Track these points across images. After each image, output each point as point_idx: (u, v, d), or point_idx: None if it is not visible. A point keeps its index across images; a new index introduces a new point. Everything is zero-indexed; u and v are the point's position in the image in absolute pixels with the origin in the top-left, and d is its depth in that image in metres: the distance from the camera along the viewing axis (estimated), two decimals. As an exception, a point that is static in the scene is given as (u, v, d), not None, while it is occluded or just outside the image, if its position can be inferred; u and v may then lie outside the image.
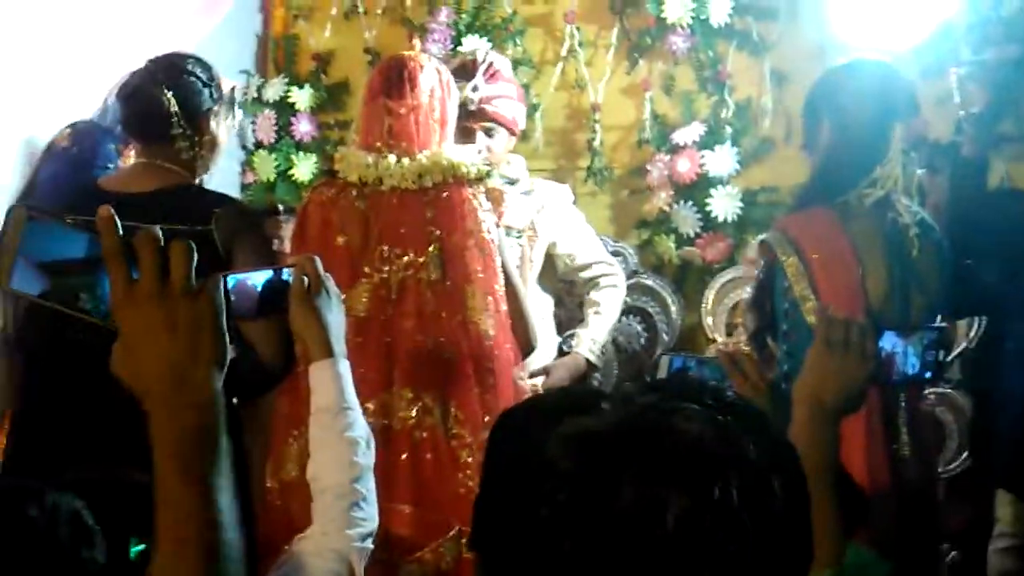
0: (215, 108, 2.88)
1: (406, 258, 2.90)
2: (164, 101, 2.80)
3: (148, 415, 1.12)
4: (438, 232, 2.90)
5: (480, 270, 2.90)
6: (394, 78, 2.98)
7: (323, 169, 4.11)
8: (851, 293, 2.70)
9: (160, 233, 1.15)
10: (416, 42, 4.27)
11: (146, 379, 1.12)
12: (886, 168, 2.76)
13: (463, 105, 3.26)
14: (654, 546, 0.97)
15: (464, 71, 3.42)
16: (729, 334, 4.04)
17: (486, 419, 2.81)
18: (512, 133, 3.50)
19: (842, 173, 2.79)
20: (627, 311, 4.08)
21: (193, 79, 2.85)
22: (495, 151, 3.44)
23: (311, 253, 2.89)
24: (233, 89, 3.02)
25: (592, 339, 3.62)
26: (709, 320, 4.13)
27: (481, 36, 4.37)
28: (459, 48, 4.33)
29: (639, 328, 4.18)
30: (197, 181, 2.87)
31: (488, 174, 3.00)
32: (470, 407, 2.85)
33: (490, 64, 3.46)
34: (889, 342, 1.88)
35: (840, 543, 1.64)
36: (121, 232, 1.14)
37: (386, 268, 2.89)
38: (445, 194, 2.92)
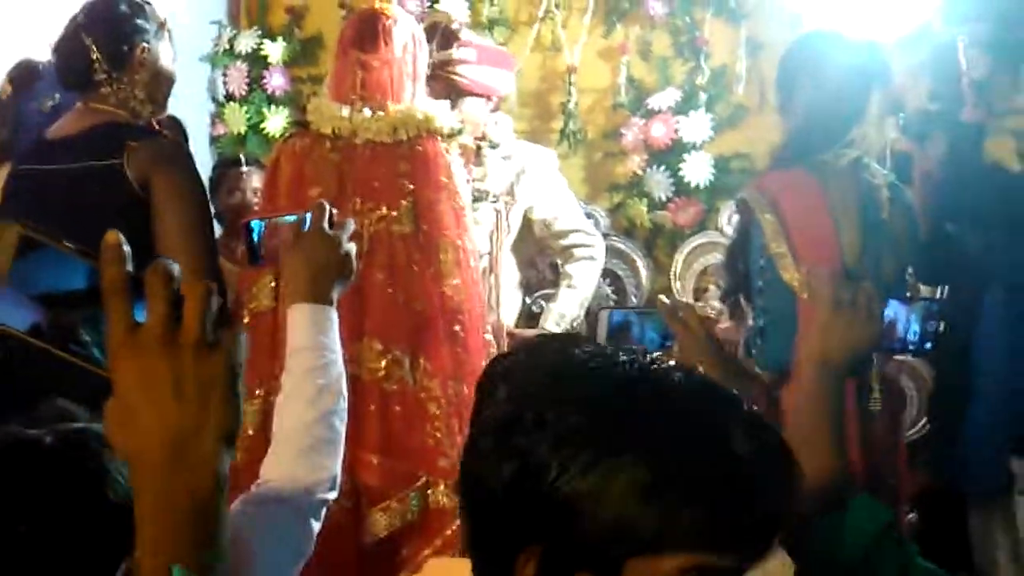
0: (146, 43, 2.84)
1: (379, 211, 2.89)
2: (85, 47, 2.77)
3: (136, 489, 0.94)
4: (411, 186, 2.89)
5: (453, 224, 2.90)
6: (367, 32, 2.97)
7: (294, 120, 4.07)
8: (827, 251, 2.72)
9: (176, 270, 0.92)
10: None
11: (140, 445, 0.92)
12: (862, 130, 2.78)
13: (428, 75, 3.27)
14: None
15: (436, 29, 3.41)
16: (697, 298, 4.06)
17: (455, 373, 2.82)
18: (481, 97, 3.49)
19: (819, 134, 2.81)
20: (597, 273, 4.09)
21: (115, 19, 2.82)
22: (469, 116, 3.43)
23: (282, 205, 2.93)
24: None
25: (560, 314, 3.61)
26: (678, 284, 4.15)
27: (458, -6, 4.34)
28: (436, 5, 4.31)
29: (608, 290, 4.19)
30: (146, 115, 2.84)
31: (460, 131, 3.00)
32: (439, 360, 2.85)
33: (447, 27, 3.45)
34: (893, 310, 1.91)
35: (847, 487, 1.68)
36: (128, 265, 0.93)
37: (359, 221, 2.89)
38: (419, 148, 2.91)
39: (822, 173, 2.77)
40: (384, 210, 2.88)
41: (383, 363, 2.84)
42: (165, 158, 2.73)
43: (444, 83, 3.36)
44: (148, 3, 2.89)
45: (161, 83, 2.88)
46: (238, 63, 4.58)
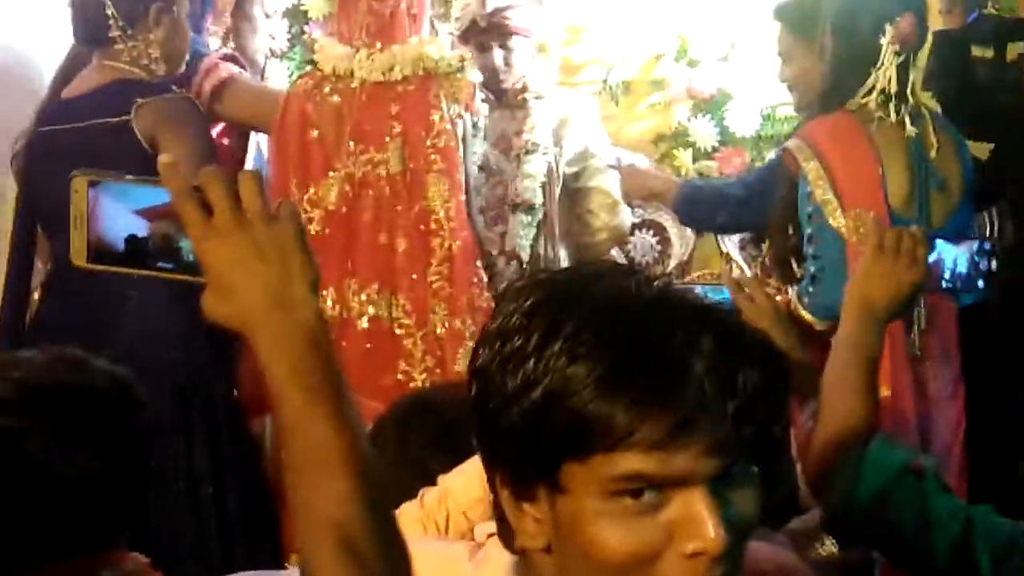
0: (163, 3, 2.84)
1: (368, 153, 2.94)
2: (100, 3, 2.78)
3: (255, 349, 1.06)
4: (400, 127, 2.93)
5: (440, 159, 2.92)
6: None
7: (305, 60, 4.09)
8: (872, 194, 2.71)
9: (224, 170, 1.09)
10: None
11: (246, 311, 1.06)
12: (879, 72, 2.74)
13: (474, 21, 3.26)
14: None
15: None
16: (743, 248, 4.02)
17: (437, 308, 2.88)
18: (528, 38, 3.50)
19: (841, 81, 2.80)
20: (640, 224, 4.07)
21: None
22: (516, 64, 3.44)
23: (290, 146, 2.97)
24: None
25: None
26: (723, 238, 4.11)
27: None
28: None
29: (652, 241, 4.16)
30: (160, 74, 2.84)
31: (460, 68, 3.01)
32: (417, 297, 2.90)
33: None
34: (941, 250, 1.87)
35: (872, 431, 1.67)
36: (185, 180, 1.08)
37: (351, 162, 2.95)
38: (411, 87, 2.94)
39: (864, 115, 2.74)
40: (372, 151, 2.93)
41: (360, 301, 2.90)
42: (173, 115, 2.76)
43: (497, 30, 3.38)
44: None
45: (177, 42, 2.89)
46: (274, 17, 4.56)
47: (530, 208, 3.50)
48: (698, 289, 2.17)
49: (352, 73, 2.97)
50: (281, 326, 1.05)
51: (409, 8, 2.99)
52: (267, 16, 3.17)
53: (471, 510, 1.60)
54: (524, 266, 3.39)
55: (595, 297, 1.05)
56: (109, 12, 2.79)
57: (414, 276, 2.91)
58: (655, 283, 1.09)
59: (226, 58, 3.36)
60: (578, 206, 3.62)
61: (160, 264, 1.14)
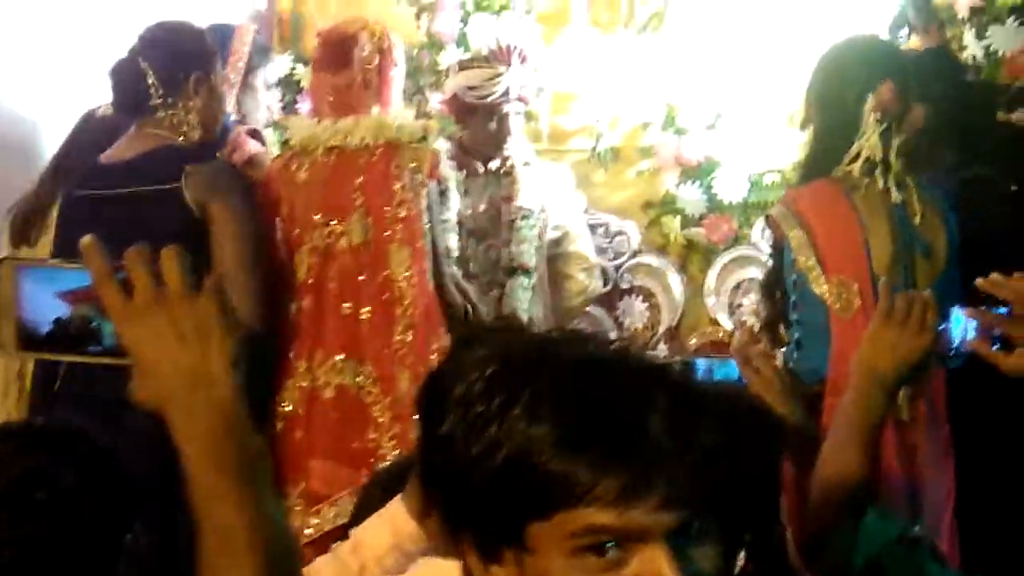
0: (202, 73, 2.87)
1: (332, 223, 2.98)
2: (141, 71, 2.81)
3: (172, 425, 1.08)
4: (364, 197, 2.97)
5: (402, 229, 2.96)
6: (332, 52, 3.07)
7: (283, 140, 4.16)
8: (856, 261, 2.72)
9: (147, 248, 1.10)
10: (421, 20, 4.31)
11: (162, 391, 1.07)
12: (862, 141, 2.77)
13: (504, 92, 3.35)
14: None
15: (499, 56, 3.49)
16: (732, 314, 4.04)
17: (402, 375, 2.93)
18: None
19: (826, 150, 2.83)
20: (629, 290, 4.10)
21: (174, 46, 2.86)
22: (509, 131, 3.53)
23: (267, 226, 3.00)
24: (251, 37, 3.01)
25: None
26: (711, 300, 4.13)
27: (489, 14, 4.36)
28: (466, 28, 4.34)
29: (642, 307, 4.18)
30: (196, 139, 2.87)
31: (424, 138, 3.05)
32: (383, 365, 2.92)
33: (521, 50, 3.52)
34: (951, 318, 1.85)
35: (870, 498, 1.67)
36: (108, 258, 1.10)
37: (317, 234, 2.98)
38: (375, 158, 2.98)
39: (848, 182, 2.77)
40: (337, 221, 2.97)
41: (330, 370, 2.95)
42: (223, 184, 2.80)
43: (521, 103, 3.48)
44: (209, 29, 2.94)
45: (214, 109, 2.93)
46: (272, 89, 4.61)
47: (527, 271, 3.55)
48: (703, 363, 2.20)
49: (318, 145, 3.02)
50: (196, 407, 1.06)
51: (368, 81, 3.03)
52: (268, 88, 3.21)
53: (385, 557, 1.63)
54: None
55: (555, 361, 1.08)
56: (150, 81, 2.82)
57: (379, 344, 2.94)
58: (613, 347, 1.12)
59: (251, 133, 3.41)
60: (557, 270, 3.69)
61: (90, 348, 1.13)
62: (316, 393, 2.98)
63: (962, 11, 3.90)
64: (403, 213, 2.99)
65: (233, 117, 3.50)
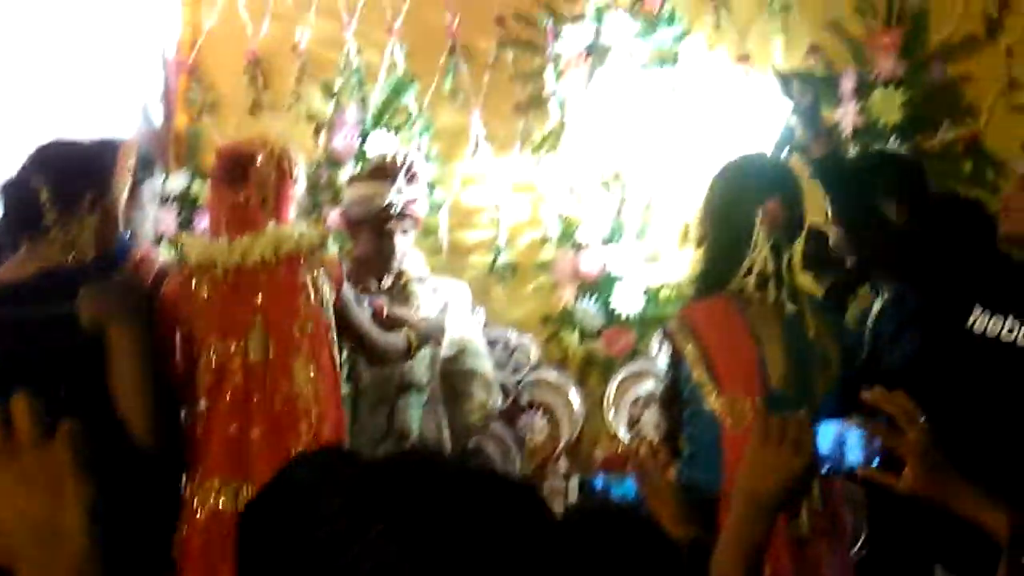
0: (97, 192, 2.84)
1: (230, 342, 2.93)
2: (35, 191, 2.77)
3: None
4: (263, 316, 2.93)
5: (307, 344, 2.93)
6: (228, 168, 3.05)
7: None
8: (749, 375, 2.74)
9: None
10: (320, 137, 4.34)
11: (12, 546, 1.00)
12: (754, 255, 2.83)
13: (386, 208, 3.34)
14: None
15: (384, 172, 3.47)
16: (631, 427, 4.05)
17: None
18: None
19: (720, 265, 2.87)
20: (529, 404, 4.10)
21: (67, 164, 2.83)
22: (405, 249, 3.51)
23: (165, 344, 2.95)
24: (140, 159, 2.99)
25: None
26: (611, 414, 4.14)
27: (386, 132, 4.40)
28: (365, 144, 4.37)
29: (542, 422, 4.17)
30: (90, 258, 2.82)
31: (322, 245, 3.04)
32: None
33: (411, 165, 3.51)
34: (829, 433, 1.84)
35: None
36: None
37: (214, 354, 2.93)
38: (275, 274, 2.95)
39: (741, 299, 2.80)
40: (235, 340, 2.93)
41: (212, 497, 2.89)
42: (118, 305, 2.74)
43: (405, 219, 3.45)
44: (101, 146, 2.90)
45: (110, 228, 2.88)
46: (168, 204, 4.58)
47: (420, 388, 3.51)
48: (600, 480, 2.18)
49: (216, 263, 2.98)
50: (45, 563, 1.00)
51: (265, 199, 3.01)
52: (154, 202, 3.16)
53: None
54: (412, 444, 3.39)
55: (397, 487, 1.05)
56: (44, 199, 2.77)
57: (270, 466, 2.88)
58: (452, 462, 1.11)
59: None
60: (454, 387, 3.66)
61: None
62: (194, 516, 2.90)
63: (847, 129, 4.05)
64: (309, 328, 2.95)
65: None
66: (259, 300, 2.95)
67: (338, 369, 3.05)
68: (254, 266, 2.96)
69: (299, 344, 2.93)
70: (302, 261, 2.96)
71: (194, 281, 2.98)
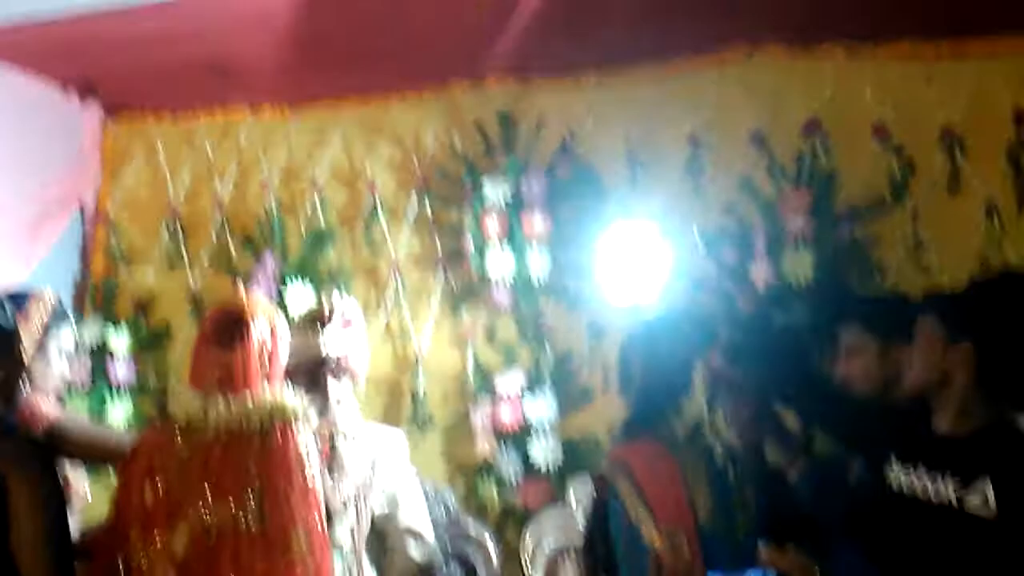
0: (5, 347, 2.82)
1: (225, 507, 2.87)
2: None
3: None
4: (259, 483, 2.88)
5: (303, 511, 2.88)
6: (225, 328, 3.02)
7: (160, 407, 4.06)
8: (681, 512, 2.78)
9: None
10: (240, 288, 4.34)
11: None
12: (690, 402, 2.90)
13: (316, 355, 3.33)
14: None
15: (316, 320, 3.46)
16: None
17: None
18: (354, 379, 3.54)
19: (652, 410, 2.93)
20: (450, 556, 4.03)
21: None
22: (342, 398, 3.47)
23: (133, 495, 2.87)
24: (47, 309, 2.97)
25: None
26: (530, 567, 4.11)
27: (306, 283, 4.42)
28: (284, 294, 4.38)
29: (460, 573, 4.11)
30: None
31: (305, 412, 3.01)
32: None
33: (343, 313, 3.51)
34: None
35: None
36: None
37: (207, 515, 2.86)
38: (269, 439, 2.91)
39: (669, 442, 2.87)
40: (231, 506, 2.86)
41: None
42: (23, 457, 2.70)
43: (337, 368, 3.42)
44: (5, 298, 2.89)
45: (13, 383, 2.85)
46: (81, 355, 4.53)
47: (340, 551, 3.44)
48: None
49: (208, 425, 2.94)
50: None
51: (263, 362, 3.01)
52: (63, 354, 3.12)
53: None
54: None
55: None
56: None
57: None
58: None
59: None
60: (386, 543, 3.58)
61: None
62: None
63: (759, 284, 4.15)
64: (309, 497, 2.91)
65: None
66: (254, 467, 2.90)
67: (326, 531, 2.99)
68: (248, 432, 2.92)
69: (297, 512, 2.88)
70: (293, 428, 2.94)
71: (180, 438, 2.92)
